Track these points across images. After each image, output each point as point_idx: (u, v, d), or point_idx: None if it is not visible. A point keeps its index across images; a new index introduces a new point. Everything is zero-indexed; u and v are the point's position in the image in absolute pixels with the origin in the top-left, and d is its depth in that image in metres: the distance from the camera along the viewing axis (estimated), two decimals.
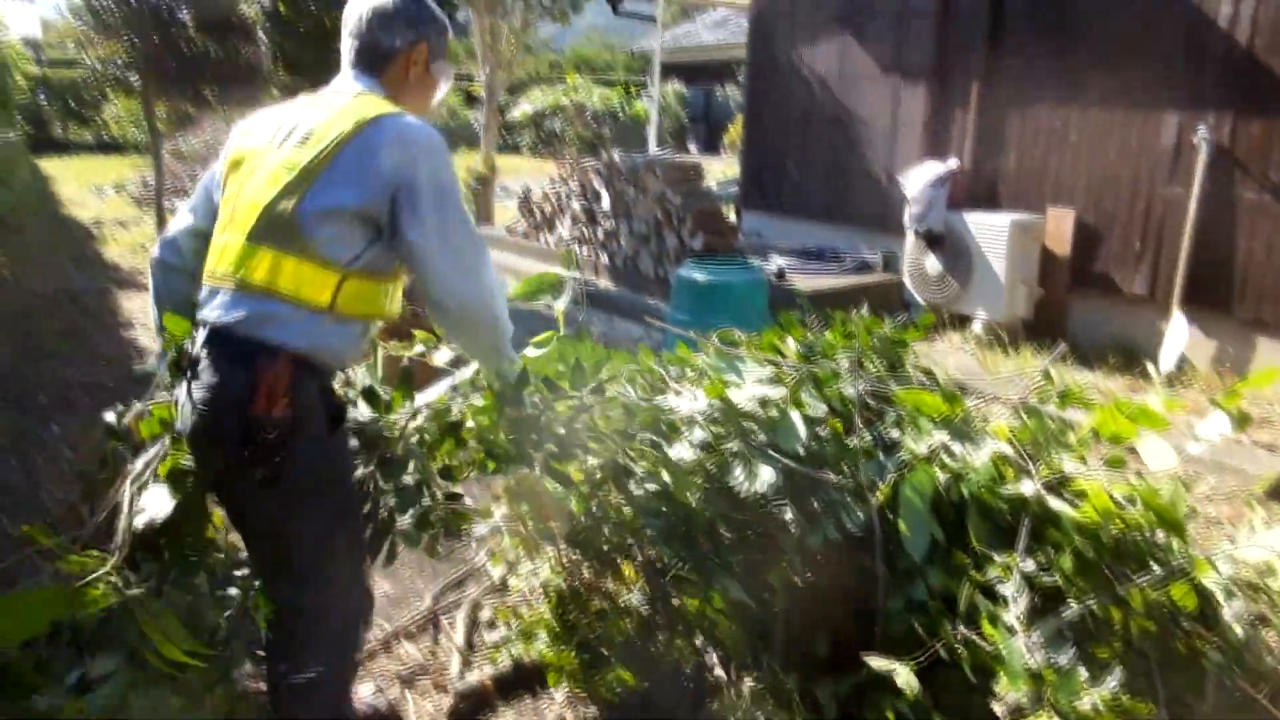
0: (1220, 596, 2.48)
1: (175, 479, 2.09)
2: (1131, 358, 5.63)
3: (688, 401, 2.38)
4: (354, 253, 1.90)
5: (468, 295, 1.96)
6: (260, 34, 9.67)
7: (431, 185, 1.90)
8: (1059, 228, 6.13)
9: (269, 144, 1.99)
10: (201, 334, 1.93)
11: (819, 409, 2.49)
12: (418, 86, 2.16)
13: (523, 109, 22.22)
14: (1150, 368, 5.20)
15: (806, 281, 6.62)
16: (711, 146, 21.76)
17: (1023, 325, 6.14)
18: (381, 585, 3.17)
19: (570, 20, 12.47)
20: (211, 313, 1.91)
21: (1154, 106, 5.69)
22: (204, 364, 1.88)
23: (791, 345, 2.87)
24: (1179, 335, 5.40)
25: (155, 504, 2.03)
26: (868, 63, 7.61)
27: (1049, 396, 3.10)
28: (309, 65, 9.38)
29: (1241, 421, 2.79)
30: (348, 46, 2.11)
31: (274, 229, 1.90)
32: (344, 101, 2.01)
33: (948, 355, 5.79)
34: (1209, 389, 5.12)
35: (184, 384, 1.91)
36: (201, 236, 2.12)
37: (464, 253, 1.94)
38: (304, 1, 9.31)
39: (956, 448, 2.54)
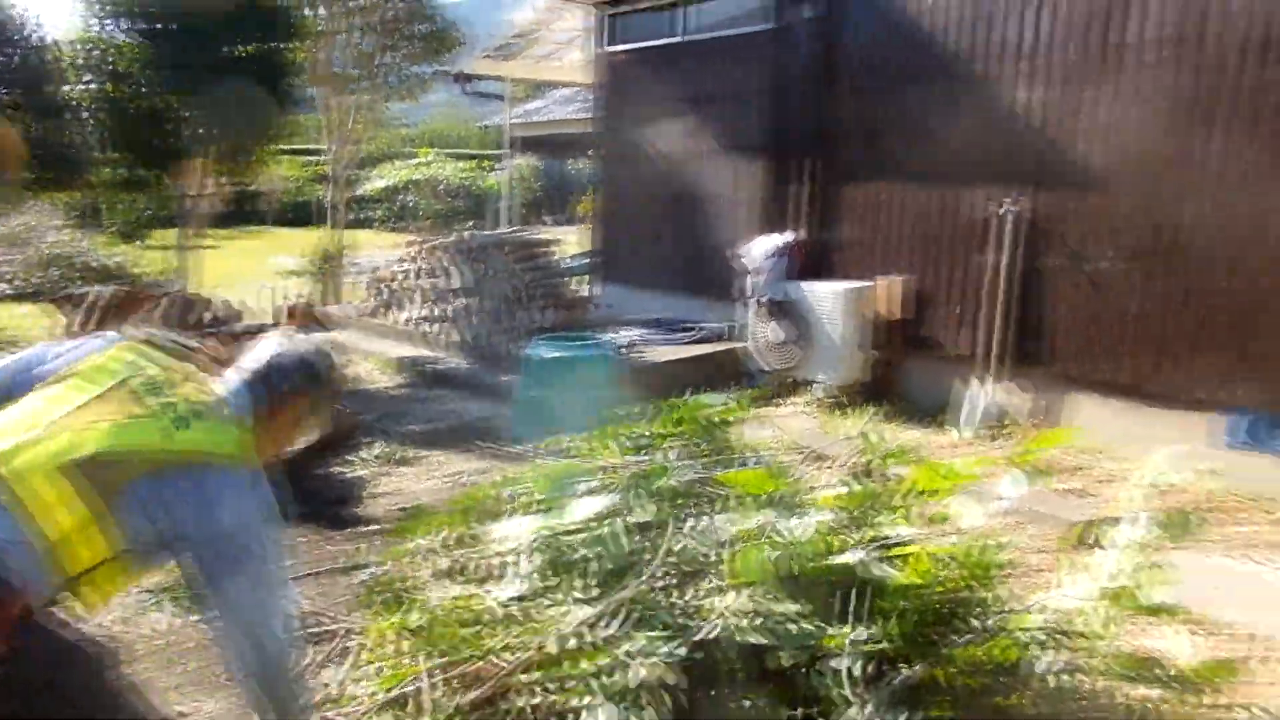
0: (1035, 649, 2.63)
1: None
2: (964, 414, 5.97)
3: (515, 528, 2.41)
4: None
5: None
6: (88, 116, 9.22)
7: None
8: (889, 294, 6.50)
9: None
10: None
11: (648, 510, 2.54)
12: None
13: (374, 184, 21.96)
14: (954, 430, 5.55)
15: (656, 353, 6.75)
16: (566, 219, 22.04)
17: (861, 387, 6.43)
18: None
19: (418, 98, 12.49)
20: None
21: (966, 182, 6.14)
22: None
23: (619, 446, 2.93)
24: (977, 398, 5.79)
25: None
26: (709, 140, 7.94)
27: (873, 459, 3.25)
28: (140, 147, 8.99)
29: (1036, 478, 3.01)
30: None
31: None
32: None
33: (791, 419, 5.99)
34: (1026, 441, 5.48)
35: None
36: None
37: None
38: (138, 82, 8.92)
39: (784, 523, 2.61)
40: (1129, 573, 2.74)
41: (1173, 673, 2.77)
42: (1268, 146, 4.84)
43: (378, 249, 15.35)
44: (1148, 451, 4.62)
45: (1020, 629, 2.58)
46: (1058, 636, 2.72)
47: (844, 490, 2.95)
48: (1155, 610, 2.76)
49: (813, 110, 6.99)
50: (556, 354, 5.34)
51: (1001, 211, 5.86)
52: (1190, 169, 5.12)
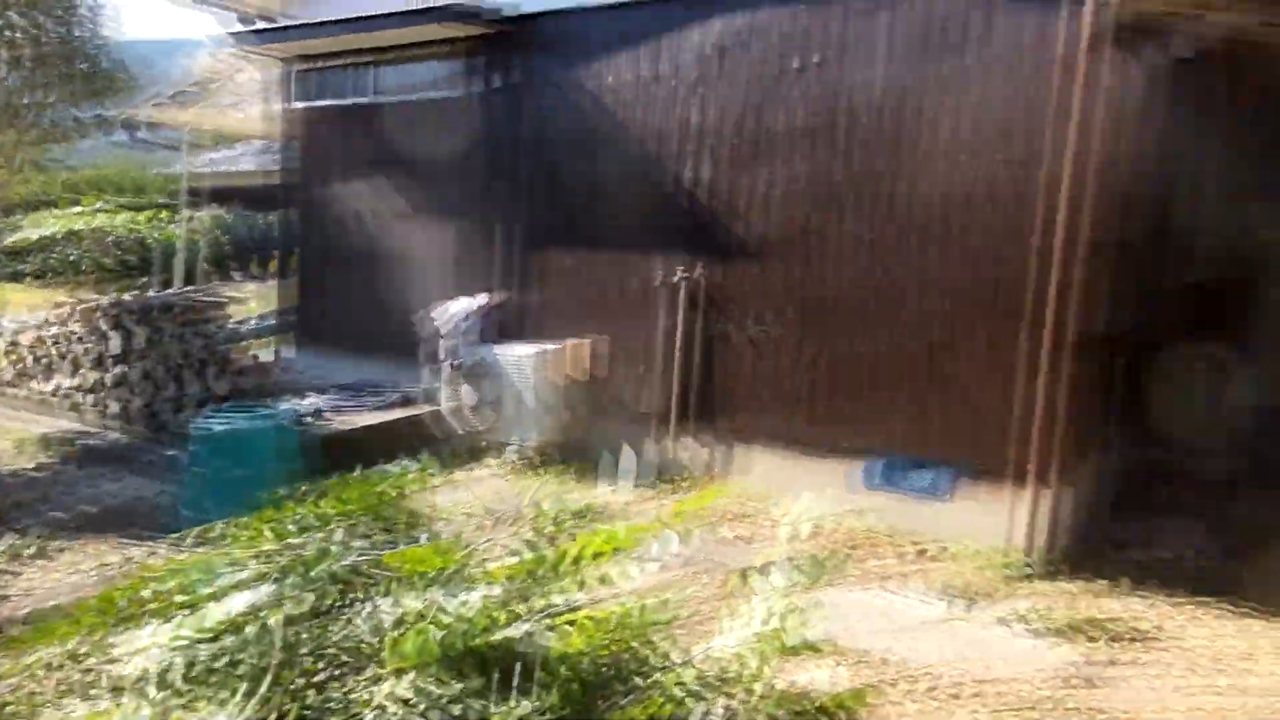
0: (691, 701, 2.78)
1: None
2: (644, 470, 6.27)
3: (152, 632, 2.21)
4: None
5: None
6: None
7: None
8: (578, 356, 6.73)
9: None
10: None
11: (306, 601, 2.42)
12: None
13: (26, 234, 19.40)
14: (624, 487, 5.85)
15: (343, 420, 6.48)
16: (258, 275, 20.72)
17: (554, 448, 6.56)
18: None
19: (77, 141, 11.24)
20: None
21: (646, 250, 6.54)
22: None
23: (273, 533, 2.78)
24: (647, 455, 6.17)
25: None
26: (405, 201, 7.84)
27: (548, 524, 3.31)
28: None
29: (704, 530, 3.22)
30: None
31: None
32: None
33: (484, 483, 5.98)
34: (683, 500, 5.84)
35: None
36: None
37: None
38: None
39: (450, 601, 2.59)
40: (778, 615, 2.98)
41: (818, 704, 3.05)
42: (884, 227, 5.60)
43: (27, 308, 13.52)
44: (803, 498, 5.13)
45: (677, 683, 2.73)
46: (717, 684, 2.90)
47: (516, 559, 2.98)
48: (800, 648, 3.01)
49: (506, 176, 7.14)
50: (227, 426, 4.97)
51: (676, 279, 6.29)
52: (827, 244, 5.81)
